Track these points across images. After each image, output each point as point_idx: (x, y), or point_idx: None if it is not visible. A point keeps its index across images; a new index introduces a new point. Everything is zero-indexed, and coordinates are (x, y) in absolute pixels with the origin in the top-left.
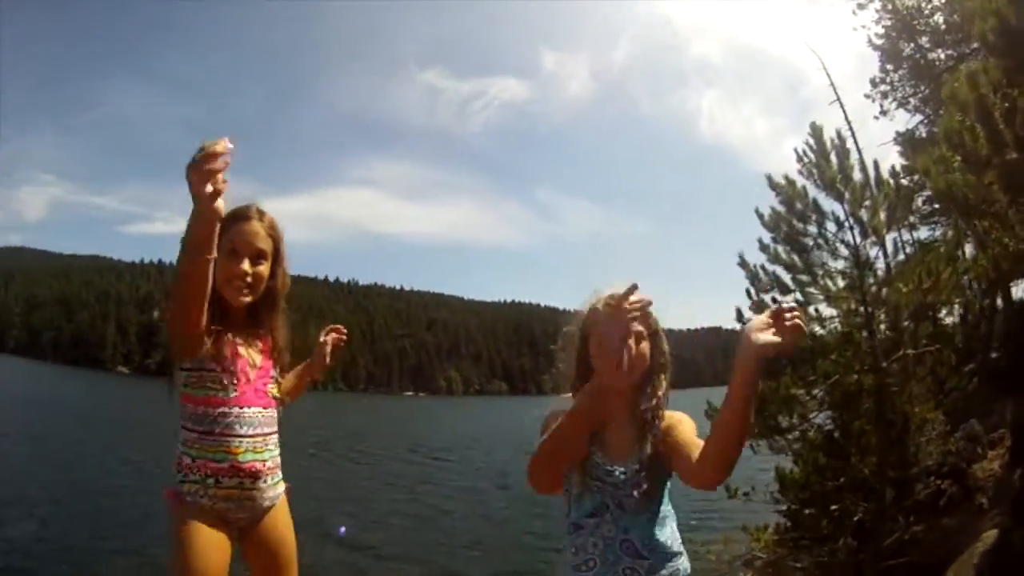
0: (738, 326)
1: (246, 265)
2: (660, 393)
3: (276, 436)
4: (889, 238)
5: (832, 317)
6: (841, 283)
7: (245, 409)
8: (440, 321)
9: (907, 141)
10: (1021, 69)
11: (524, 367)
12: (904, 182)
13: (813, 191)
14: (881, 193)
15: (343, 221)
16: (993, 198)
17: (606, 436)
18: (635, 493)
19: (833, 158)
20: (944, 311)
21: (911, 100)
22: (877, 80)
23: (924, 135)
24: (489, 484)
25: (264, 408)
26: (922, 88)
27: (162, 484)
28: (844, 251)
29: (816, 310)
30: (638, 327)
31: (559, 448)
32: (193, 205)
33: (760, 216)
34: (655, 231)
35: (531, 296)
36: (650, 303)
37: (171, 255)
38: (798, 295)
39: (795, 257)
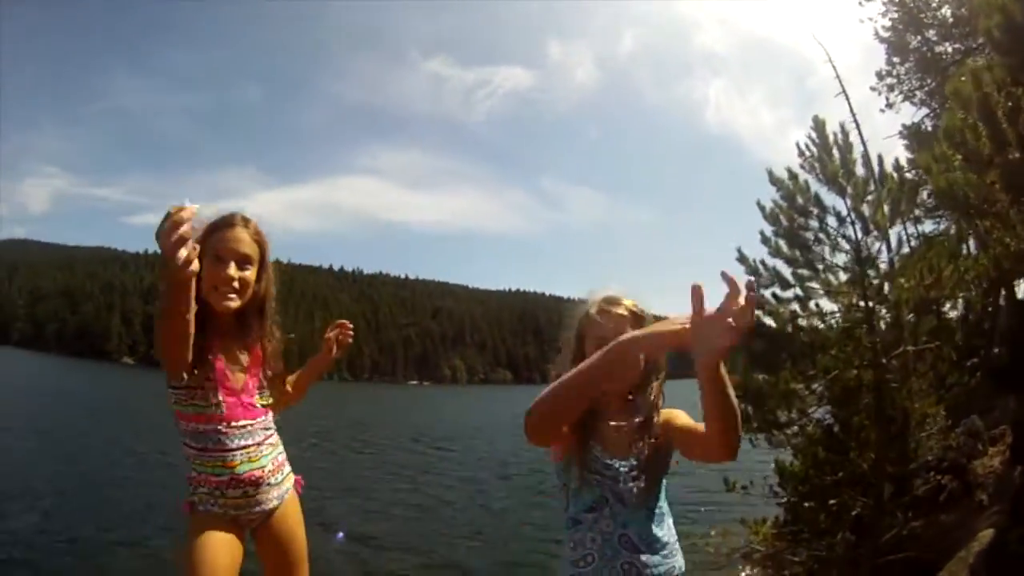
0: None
1: (232, 270)
2: (654, 395)
3: (273, 438)
4: (893, 232)
5: (833, 312)
6: (843, 277)
7: (234, 424)
8: (445, 310)
9: (913, 134)
10: (1021, 64)
11: (529, 356)
12: (909, 176)
13: (815, 185)
14: (884, 188)
15: (348, 210)
16: (994, 198)
17: (605, 434)
18: (634, 487)
19: (835, 152)
20: (948, 305)
21: (917, 93)
22: (883, 73)
23: (930, 129)
24: (490, 474)
25: (253, 419)
26: (929, 81)
27: (166, 477)
28: (846, 246)
29: (817, 305)
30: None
31: (566, 393)
32: (166, 269)
33: (761, 209)
34: (660, 220)
35: (536, 285)
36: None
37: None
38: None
39: (796, 251)
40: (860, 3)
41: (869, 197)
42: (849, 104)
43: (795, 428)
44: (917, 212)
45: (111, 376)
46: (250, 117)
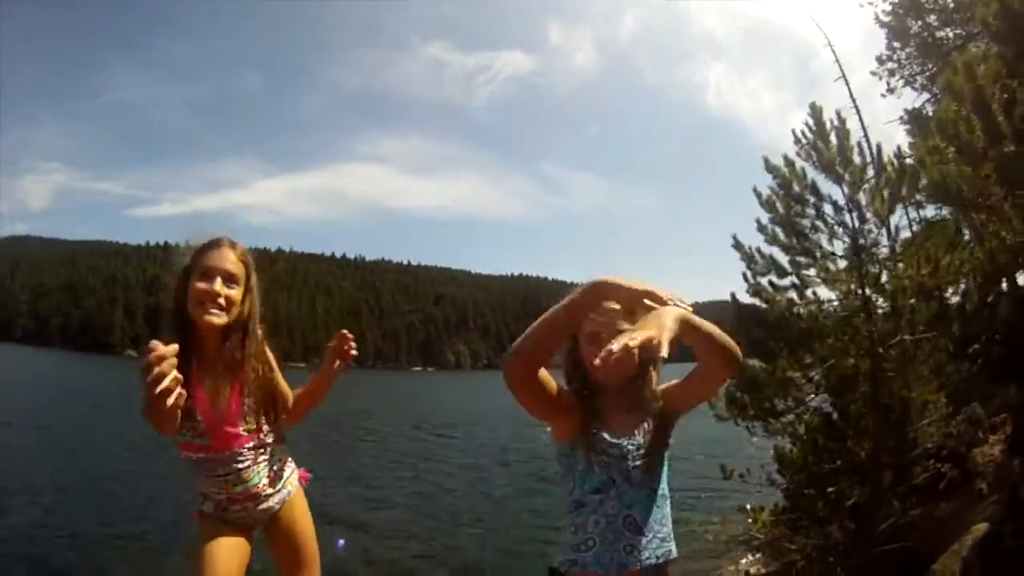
0: (750, 300)
1: (218, 285)
2: (653, 383)
3: (266, 454)
4: (892, 220)
5: (830, 300)
6: (841, 265)
7: (220, 454)
8: (448, 295)
9: (914, 120)
10: (1021, 56)
11: None
12: (910, 161)
13: (812, 173)
14: (883, 176)
15: (350, 197)
16: (989, 191)
17: (609, 419)
18: (642, 464)
19: (833, 139)
20: (951, 290)
21: (918, 78)
22: (884, 57)
23: (931, 114)
24: (491, 461)
25: (239, 447)
26: (930, 67)
27: (167, 470)
28: (843, 234)
29: (814, 293)
30: (625, 326)
31: (544, 332)
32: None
33: (758, 196)
34: (662, 204)
35: (538, 269)
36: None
37: (178, 237)
38: None
39: (793, 239)
40: None
41: (867, 185)
42: (849, 89)
43: (791, 416)
44: (919, 197)
45: (114, 369)
46: (250, 106)
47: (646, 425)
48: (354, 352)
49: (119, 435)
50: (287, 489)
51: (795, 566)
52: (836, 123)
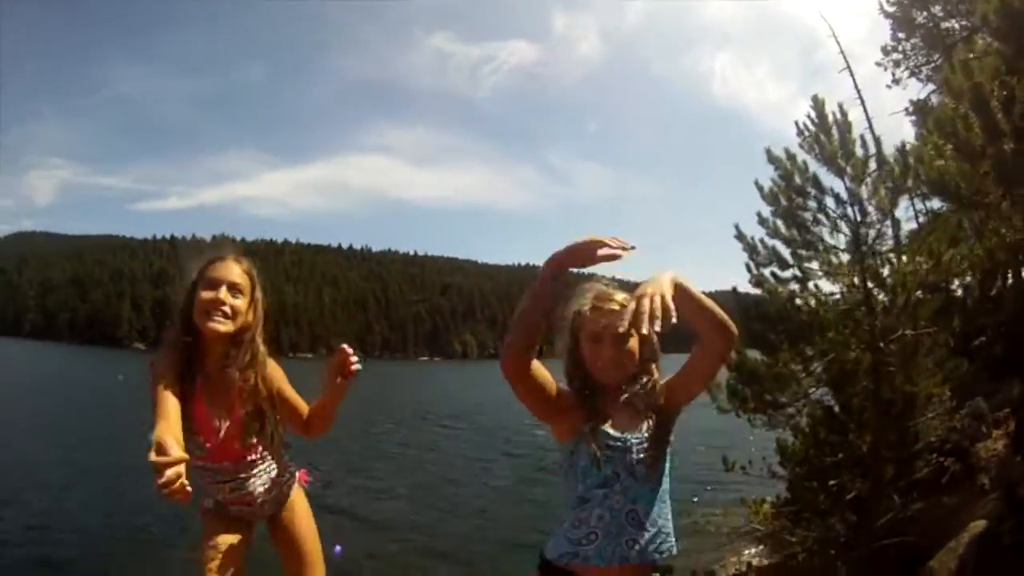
0: (752, 290)
1: (223, 293)
2: (654, 379)
3: (262, 465)
4: (898, 211)
5: (832, 293)
6: (844, 258)
7: (219, 464)
8: (454, 286)
9: (920, 110)
10: (1021, 53)
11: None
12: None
13: (814, 165)
14: (883, 170)
15: (355, 188)
16: (987, 189)
17: (612, 417)
18: (646, 458)
19: (835, 132)
20: (956, 283)
21: (923, 69)
22: (889, 48)
23: (936, 105)
24: (494, 451)
25: (235, 461)
26: (935, 58)
27: None
28: (845, 227)
29: (816, 286)
30: (625, 325)
31: (523, 321)
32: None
33: (760, 189)
34: (668, 193)
35: (544, 259)
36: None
37: (183, 230)
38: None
39: (794, 232)
40: None
41: (868, 179)
42: (854, 80)
43: (792, 409)
44: (924, 189)
45: (122, 363)
46: (253, 98)
47: (649, 421)
48: (356, 367)
49: (125, 429)
50: (285, 491)
51: (796, 558)
52: (838, 116)
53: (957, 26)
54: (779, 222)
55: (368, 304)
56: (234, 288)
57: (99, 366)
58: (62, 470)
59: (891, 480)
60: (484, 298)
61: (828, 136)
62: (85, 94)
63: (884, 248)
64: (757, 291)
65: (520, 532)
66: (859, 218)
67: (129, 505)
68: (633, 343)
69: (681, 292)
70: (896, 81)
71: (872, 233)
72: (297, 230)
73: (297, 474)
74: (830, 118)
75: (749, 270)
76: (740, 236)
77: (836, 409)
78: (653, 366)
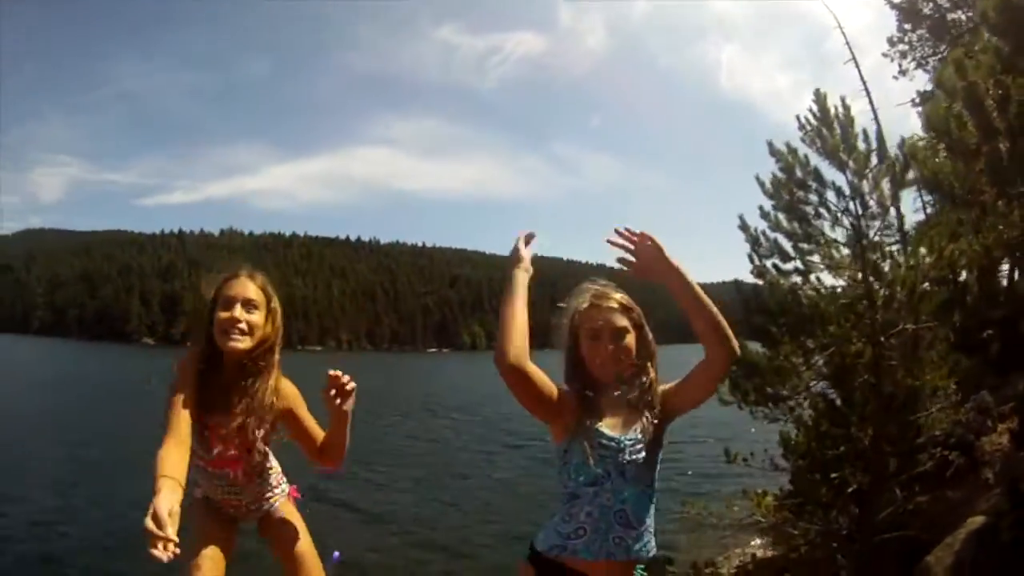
0: (755, 281)
1: (238, 311)
2: (651, 378)
3: (257, 480)
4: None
5: (834, 286)
6: (846, 252)
7: (218, 471)
8: (463, 277)
9: (926, 102)
10: (1020, 49)
11: (547, 321)
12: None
13: (816, 159)
14: (885, 164)
15: (363, 180)
16: (980, 188)
17: (607, 416)
18: (637, 460)
19: (836, 126)
20: (963, 276)
21: (930, 60)
22: (895, 39)
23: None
24: (499, 444)
25: (235, 471)
26: (941, 49)
27: None
28: (846, 221)
29: (818, 278)
30: (623, 322)
31: (519, 322)
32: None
33: (761, 184)
34: (675, 184)
35: (552, 250)
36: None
37: (191, 224)
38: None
39: (795, 225)
40: None
41: (869, 173)
42: (859, 71)
43: (792, 402)
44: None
45: (131, 357)
46: (258, 92)
47: (643, 422)
48: (351, 386)
49: (133, 424)
50: (274, 504)
51: (799, 551)
52: (840, 110)
53: (964, 17)
54: (780, 215)
55: (377, 296)
56: (249, 304)
57: (109, 361)
58: (70, 466)
59: (893, 474)
60: (493, 289)
61: (830, 130)
62: (89, 91)
63: (886, 241)
64: (759, 282)
65: (523, 525)
66: (860, 212)
67: (136, 500)
68: (630, 339)
69: (681, 279)
70: (902, 72)
71: (873, 227)
72: (305, 223)
73: (288, 489)
74: (832, 112)
75: (752, 261)
76: (744, 227)
77: (838, 402)
78: (649, 364)
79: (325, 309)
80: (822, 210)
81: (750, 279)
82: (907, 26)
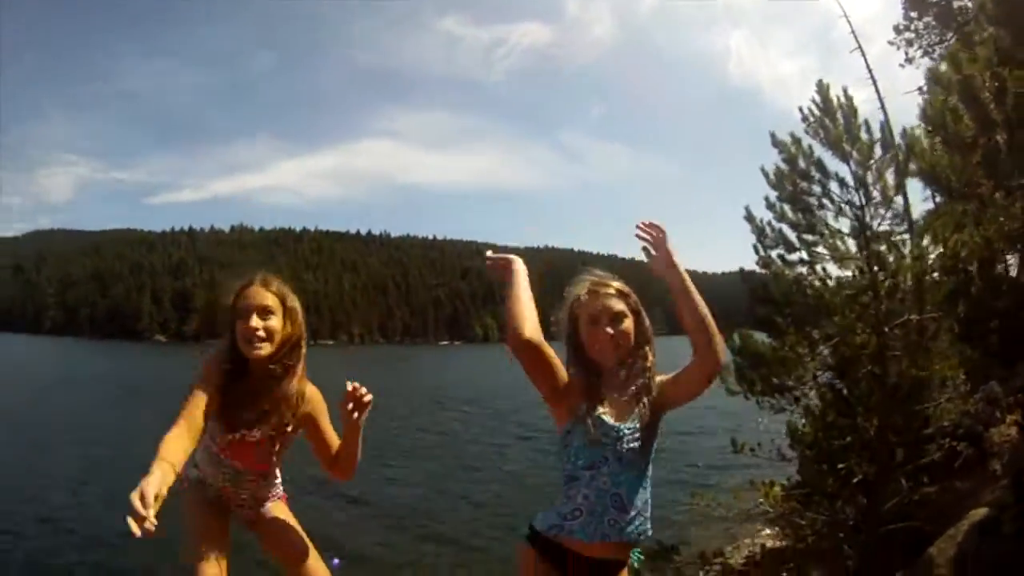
0: (760, 270)
1: (254, 321)
2: (649, 363)
3: (262, 481)
4: (898, 198)
5: (839, 277)
6: (852, 244)
7: (228, 460)
8: (474, 269)
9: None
10: (1019, 40)
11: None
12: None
13: (820, 150)
14: (888, 154)
15: (372, 174)
16: (977, 181)
17: (608, 402)
18: (634, 447)
19: (839, 117)
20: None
21: (936, 49)
22: (901, 27)
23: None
24: (509, 437)
25: (245, 466)
26: (948, 36)
27: None
28: (849, 212)
29: (823, 269)
30: (621, 307)
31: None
32: None
33: (765, 175)
34: (683, 173)
35: (562, 240)
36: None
37: (200, 221)
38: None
39: (800, 216)
40: None
41: (872, 163)
42: (865, 60)
43: (797, 392)
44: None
45: (144, 355)
46: (263, 87)
47: (640, 409)
48: (368, 399)
49: (145, 420)
50: (266, 506)
51: (806, 541)
52: (843, 100)
53: (970, 4)
54: (785, 207)
55: (388, 289)
56: (265, 311)
57: (122, 360)
58: (81, 463)
59: (899, 464)
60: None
61: (833, 120)
62: (96, 89)
63: (896, 231)
64: (764, 271)
65: (529, 517)
66: (863, 202)
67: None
68: (628, 324)
69: (682, 279)
70: (909, 60)
71: (877, 217)
72: (315, 218)
73: (282, 494)
74: (835, 102)
75: (757, 252)
76: (750, 218)
77: (845, 392)
78: (647, 349)
79: (337, 303)
80: (826, 200)
81: (755, 268)
82: (913, 14)
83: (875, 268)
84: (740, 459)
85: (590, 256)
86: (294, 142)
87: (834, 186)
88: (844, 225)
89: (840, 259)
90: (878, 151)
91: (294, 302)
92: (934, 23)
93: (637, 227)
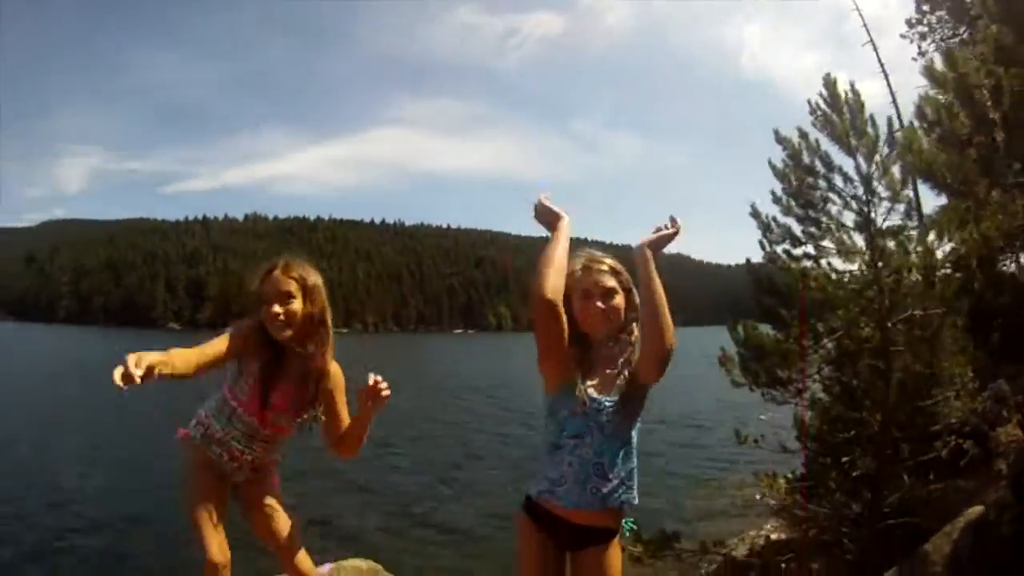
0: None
1: (275, 308)
2: (634, 339)
3: (271, 445)
4: (908, 191)
5: (845, 272)
6: (857, 237)
7: (248, 417)
8: (488, 258)
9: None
10: (1022, 38)
11: None
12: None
13: (827, 144)
14: (894, 151)
15: (386, 162)
16: (973, 179)
17: (596, 374)
18: (615, 419)
19: (846, 111)
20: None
21: (949, 43)
22: (914, 21)
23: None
24: (520, 427)
25: (261, 424)
26: (961, 31)
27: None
28: (855, 206)
29: (829, 263)
30: (612, 283)
31: (563, 264)
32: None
33: (772, 167)
34: (696, 163)
35: (576, 229)
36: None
37: (214, 210)
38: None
39: (805, 211)
40: None
41: (878, 157)
42: (877, 54)
43: (800, 385)
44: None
45: (157, 342)
46: (277, 76)
47: (621, 382)
48: (386, 393)
49: (160, 407)
50: (264, 479)
51: (808, 534)
52: (850, 94)
53: None
54: (791, 201)
55: (402, 278)
56: (285, 296)
57: (138, 347)
58: (92, 450)
59: (901, 460)
60: (517, 270)
61: (840, 115)
62: (111, 81)
63: (909, 226)
64: (770, 266)
65: None
66: (868, 197)
67: (154, 483)
68: (619, 300)
69: (648, 269)
70: (922, 54)
71: (883, 213)
72: (329, 206)
73: (276, 476)
74: (842, 96)
75: (763, 248)
76: (755, 214)
77: (854, 383)
78: (635, 325)
79: (351, 292)
80: (832, 195)
81: (761, 262)
82: (926, 7)
83: (879, 263)
84: (743, 454)
85: (602, 245)
86: (308, 131)
87: (840, 180)
88: (850, 220)
89: (846, 253)
90: (884, 146)
91: (316, 281)
92: (947, 17)
93: (672, 219)
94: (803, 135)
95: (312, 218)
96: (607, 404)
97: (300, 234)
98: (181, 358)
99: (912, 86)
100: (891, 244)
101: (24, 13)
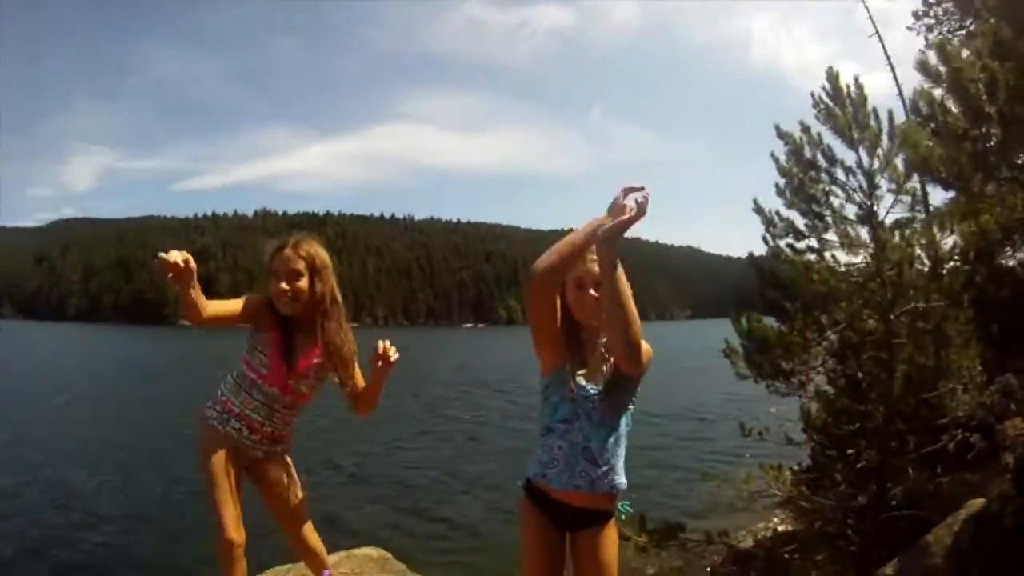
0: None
1: (283, 284)
2: None
3: (290, 415)
4: (910, 184)
5: (848, 264)
6: (861, 230)
7: (269, 388)
8: (498, 252)
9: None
10: (1020, 32)
11: None
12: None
13: (829, 137)
14: (894, 144)
15: (395, 157)
16: (968, 174)
17: (587, 363)
18: (601, 407)
19: (848, 104)
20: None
21: (956, 36)
22: (920, 13)
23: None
24: (528, 422)
25: (284, 393)
26: (968, 23)
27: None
28: (857, 199)
29: (832, 256)
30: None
31: (569, 250)
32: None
33: (775, 160)
34: (705, 156)
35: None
36: None
37: (223, 207)
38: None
39: (807, 204)
40: None
41: (880, 151)
42: (883, 47)
43: (804, 377)
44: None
45: (167, 339)
46: (286, 73)
47: (606, 370)
48: (395, 357)
49: (170, 402)
50: (278, 451)
51: (813, 526)
52: (853, 88)
53: None
54: (794, 195)
55: (412, 272)
56: (293, 273)
57: (150, 344)
58: (103, 446)
59: (906, 452)
60: (527, 264)
61: (842, 108)
62: (119, 79)
63: (905, 219)
64: (775, 258)
65: None
66: (870, 190)
67: (167, 480)
68: None
69: (604, 268)
70: (930, 47)
71: (885, 206)
72: (338, 202)
73: (290, 450)
74: (845, 89)
75: (766, 242)
76: (758, 209)
77: (858, 375)
78: None
79: (361, 286)
80: (835, 188)
81: (764, 255)
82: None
83: (882, 255)
84: (748, 446)
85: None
86: (317, 127)
87: (842, 174)
88: (852, 212)
89: (849, 246)
90: (886, 139)
91: (324, 261)
92: (953, 9)
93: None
94: (805, 129)
95: (322, 213)
96: (593, 392)
97: (310, 229)
98: (203, 297)
99: (918, 79)
100: (895, 237)
101: (28, 13)
